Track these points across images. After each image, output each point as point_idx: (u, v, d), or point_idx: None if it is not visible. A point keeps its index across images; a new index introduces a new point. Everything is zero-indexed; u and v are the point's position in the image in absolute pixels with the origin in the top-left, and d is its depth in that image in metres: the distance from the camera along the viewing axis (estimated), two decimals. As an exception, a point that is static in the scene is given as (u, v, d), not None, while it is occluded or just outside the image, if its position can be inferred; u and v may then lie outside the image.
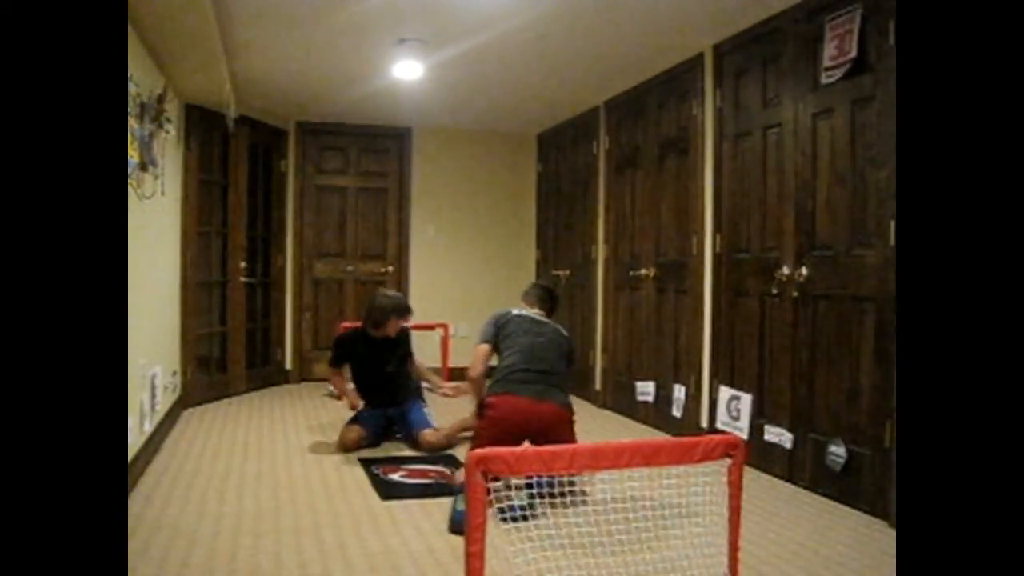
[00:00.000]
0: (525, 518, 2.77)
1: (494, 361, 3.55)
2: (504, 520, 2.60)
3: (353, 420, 4.27)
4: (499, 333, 3.52)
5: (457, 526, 2.79)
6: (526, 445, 3.18)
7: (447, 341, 5.99)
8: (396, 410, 4.36)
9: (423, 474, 3.65)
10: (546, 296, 3.77)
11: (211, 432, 4.47)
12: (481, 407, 3.35)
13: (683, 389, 4.45)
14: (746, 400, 3.85)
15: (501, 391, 3.29)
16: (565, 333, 3.62)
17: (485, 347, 3.52)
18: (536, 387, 3.28)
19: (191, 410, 5.04)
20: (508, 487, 2.82)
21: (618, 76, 4.91)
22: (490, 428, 3.24)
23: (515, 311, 3.60)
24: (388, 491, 3.36)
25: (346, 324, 5.85)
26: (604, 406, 5.47)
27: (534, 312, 3.65)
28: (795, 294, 3.51)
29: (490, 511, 2.06)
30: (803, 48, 3.48)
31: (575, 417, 3.44)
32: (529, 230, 6.91)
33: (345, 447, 4.08)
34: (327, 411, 5.23)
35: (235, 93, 5.05)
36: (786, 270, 3.56)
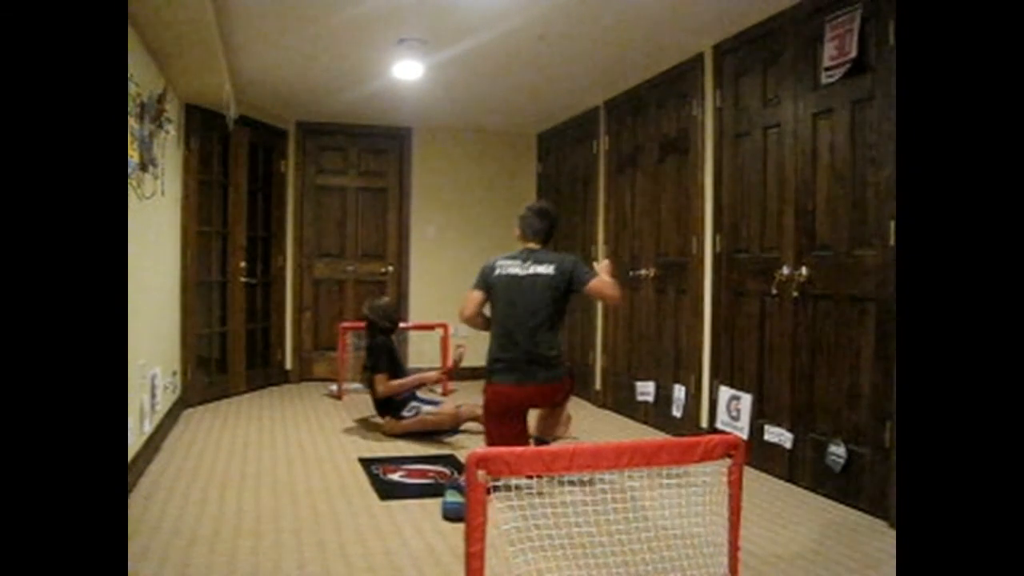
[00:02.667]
0: None
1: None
2: None
3: (415, 407, 4.57)
4: (487, 288, 3.52)
5: (449, 515, 3.01)
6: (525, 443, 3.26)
7: (447, 341, 5.99)
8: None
9: (423, 474, 3.65)
10: (540, 225, 3.57)
11: (211, 432, 4.47)
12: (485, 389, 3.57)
13: (683, 389, 4.45)
14: (746, 400, 3.85)
15: (489, 380, 3.50)
16: (549, 271, 3.42)
17: (477, 294, 3.56)
18: (515, 374, 3.39)
19: (191, 410, 5.04)
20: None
21: (618, 76, 4.91)
22: (488, 411, 3.56)
23: (497, 269, 3.50)
24: (388, 491, 3.36)
25: (346, 324, 5.89)
26: (604, 406, 5.47)
27: (520, 255, 3.50)
28: (795, 294, 3.51)
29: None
30: (803, 48, 3.48)
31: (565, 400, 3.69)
32: (529, 230, 6.91)
33: (468, 417, 4.46)
34: (327, 411, 5.23)
35: (235, 93, 5.05)
36: (786, 270, 3.56)
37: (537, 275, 3.43)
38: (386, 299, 5.14)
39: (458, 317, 3.65)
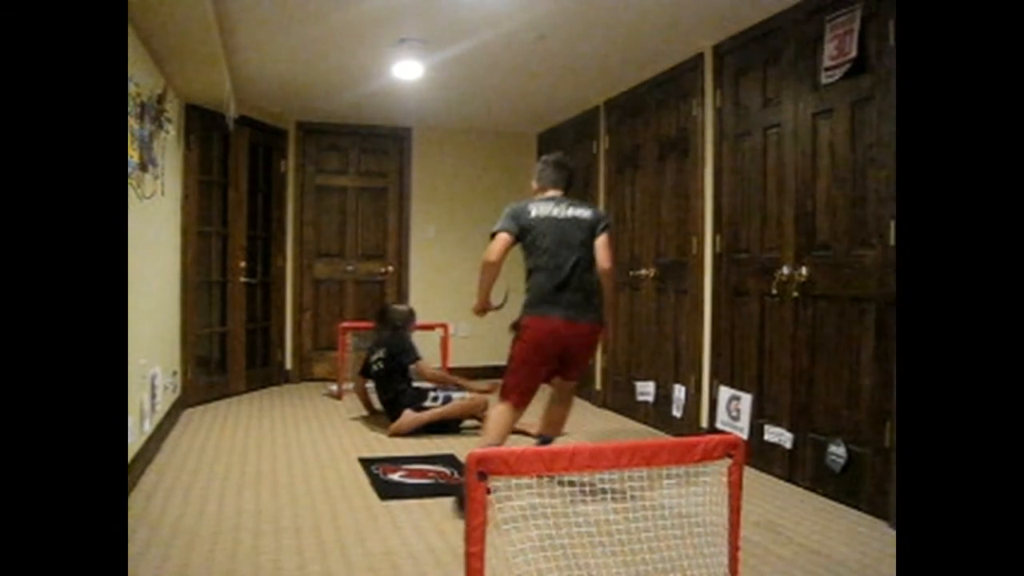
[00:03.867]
0: None
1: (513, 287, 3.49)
2: None
3: (440, 396, 4.64)
4: (520, 231, 3.29)
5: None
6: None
7: (447, 341, 5.99)
8: None
9: (422, 474, 3.65)
10: (558, 175, 3.44)
11: (211, 432, 4.47)
12: (517, 327, 3.29)
13: (683, 389, 4.45)
14: (746, 400, 3.85)
15: (535, 313, 3.24)
16: (586, 215, 3.34)
17: (506, 236, 3.30)
18: (568, 311, 3.20)
19: (191, 410, 5.04)
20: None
21: (618, 76, 4.91)
22: (525, 351, 3.25)
23: (533, 211, 3.31)
24: (387, 491, 3.36)
25: (346, 324, 5.89)
26: (604, 406, 5.47)
27: (551, 200, 3.36)
28: (795, 294, 3.51)
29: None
30: (803, 48, 3.48)
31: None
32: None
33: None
34: (327, 411, 5.23)
35: (235, 93, 5.05)
36: (786, 270, 3.56)
37: (577, 218, 3.31)
38: (395, 305, 5.30)
39: (486, 262, 3.33)
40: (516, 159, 6.90)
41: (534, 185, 3.52)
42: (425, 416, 4.47)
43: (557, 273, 3.22)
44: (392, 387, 4.62)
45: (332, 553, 2.64)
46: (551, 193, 3.42)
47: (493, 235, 3.38)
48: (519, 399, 3.25)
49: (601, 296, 3.36)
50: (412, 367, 4.65)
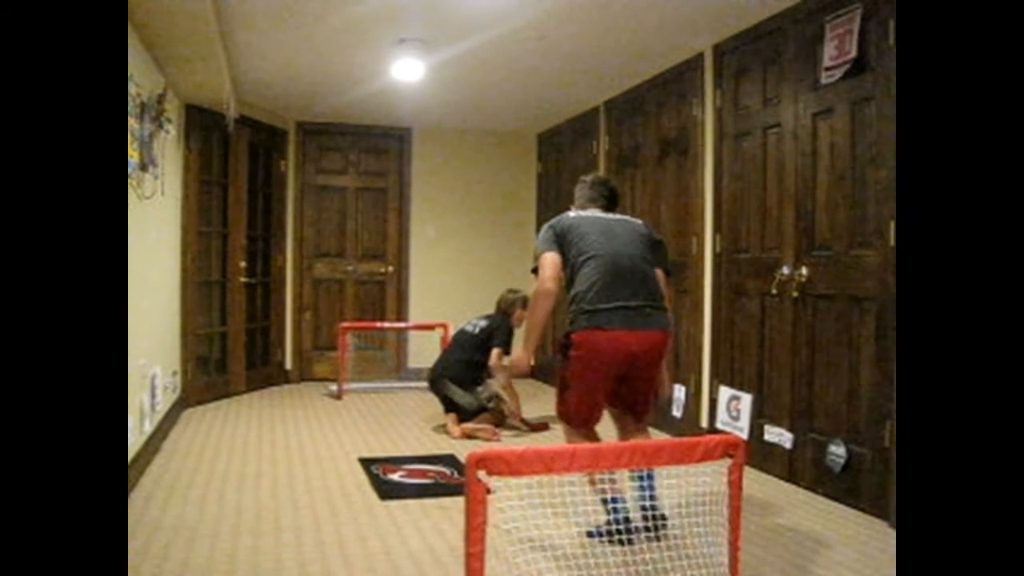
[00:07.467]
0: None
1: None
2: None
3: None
4: (562, 242, 2.80)
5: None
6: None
7: (447, 341, 5.98)
8: None
9: (422, 474, 3.65)
10: (596, 193, 3.03)
11: (211, 432, 4.47)
12: (565, 349, 2.77)
13: (683, 389, 4.46)
14: (746, 400, 3.85)
15: (588, 324, 2.69)
16: (639, 222, 2.98)
17: (553, 255, 2.78)
18: (628, 313, 2.69)
19: (191, 410, 5.04)
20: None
21: (618, 76, 4.91)
22: (577, 369, 2.75)
23: (572, 213, 2.90)
24: (387, 491, 3.36)
25: (346, 324, 5.89)
26: (604, 406, 5.46)
27: (597, 210, 2.97)
28: (795, 294, 3.51)
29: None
30: (803, 48, 3.48)
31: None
32: (529, 230, 6.90)
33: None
34: (327, 411, 5.23)
35: (235, 93, 5.05)
36: (786, 270, 3.56)
37: (627, 220, 2.94)
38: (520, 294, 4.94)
39: (539, 291, 2.79)
40: (516, 159, 6.90)
41: (575, 206, 3.11)
42: (469, 426, 4.53)
43: (608, 274, 2.71)
44: (469, 354, 4.67)
45: (332, 553, 2.64)
46: (589, 208, 3.04)
47: (535, 264, 2.89)
48: (583, 422, 2.82)
49: (662, 288, 2.87)
50: (493, 351, 4.61)
